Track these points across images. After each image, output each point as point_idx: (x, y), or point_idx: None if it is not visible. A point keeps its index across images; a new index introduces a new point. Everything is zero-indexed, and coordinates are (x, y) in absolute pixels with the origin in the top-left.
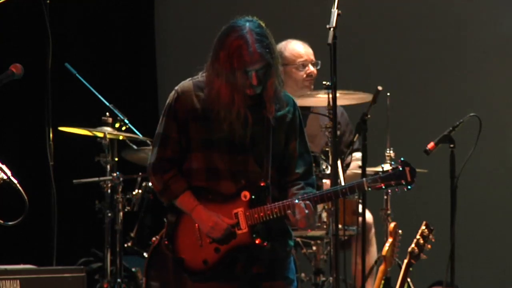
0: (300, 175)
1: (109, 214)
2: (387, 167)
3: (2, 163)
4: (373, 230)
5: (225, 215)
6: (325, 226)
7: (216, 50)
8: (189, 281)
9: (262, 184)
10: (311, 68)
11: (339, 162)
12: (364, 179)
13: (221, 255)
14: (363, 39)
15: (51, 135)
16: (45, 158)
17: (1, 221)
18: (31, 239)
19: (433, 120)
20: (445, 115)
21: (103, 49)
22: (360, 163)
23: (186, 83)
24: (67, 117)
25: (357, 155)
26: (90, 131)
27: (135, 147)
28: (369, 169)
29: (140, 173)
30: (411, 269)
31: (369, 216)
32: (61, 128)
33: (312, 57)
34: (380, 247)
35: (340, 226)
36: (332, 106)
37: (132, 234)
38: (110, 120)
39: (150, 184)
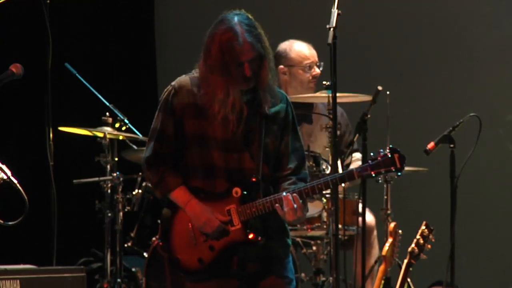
0: (292, 170)
1: (109, 214)
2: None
3: (2, 163)
4: (375, 233)
5: (218, 212)
6: (325, 226)
7: (207, 46)
8: (187, 282)
9: (253, 180)
10: (317, 70)
11: (339, 162)
12: (353, 168)
13: (216, 253)
14: (363, 39)
15: (51, 135)
16: (45, 158)
17: (1, 221)
18: (31, 239)
19: (433, 120)
20: (445, 115)
21: (103, 49)
22: (360, 163)
23: (183, 79)
24: (67, 117)
25: (357, 155)
26: (90, 131)
27: (135, 147)
28: None
29: (140, 173)
30: (411, 269)
31: (371, 218)
32: (61, 128)
33: (316, 58)
34: (380, 247)
35: (340, 226)
36: (332, 106)
37: (132, 234)
38: (110, 120)
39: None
